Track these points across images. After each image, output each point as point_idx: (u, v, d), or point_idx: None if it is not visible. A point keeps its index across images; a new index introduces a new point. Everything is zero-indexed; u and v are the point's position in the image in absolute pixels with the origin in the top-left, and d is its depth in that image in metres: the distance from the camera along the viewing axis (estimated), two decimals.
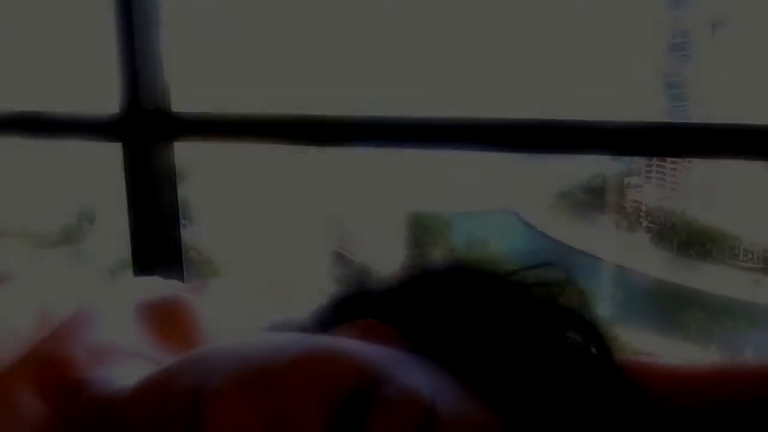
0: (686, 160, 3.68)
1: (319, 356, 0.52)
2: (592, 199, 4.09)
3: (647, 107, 3.45)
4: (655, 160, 3.75)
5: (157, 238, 1.51)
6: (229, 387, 0.50)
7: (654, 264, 3.90)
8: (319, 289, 3.60)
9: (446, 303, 0.60)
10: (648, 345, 3.56)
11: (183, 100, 1.60)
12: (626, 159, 3.86)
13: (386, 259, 3.87)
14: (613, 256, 3.91)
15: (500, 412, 0.53)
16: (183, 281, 1.25)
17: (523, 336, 0.58)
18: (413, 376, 0.52)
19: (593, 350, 0.58)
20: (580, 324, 0.60)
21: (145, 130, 1.51)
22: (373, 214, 3.89)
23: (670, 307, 3.81)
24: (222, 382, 0.51)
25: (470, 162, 3.84)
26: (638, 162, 3.85)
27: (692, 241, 3.81)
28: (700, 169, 3.77)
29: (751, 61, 3.30)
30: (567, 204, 4.10)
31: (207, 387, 0.50)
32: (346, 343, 0.56)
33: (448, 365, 0.55)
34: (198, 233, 3.75)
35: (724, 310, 3.61)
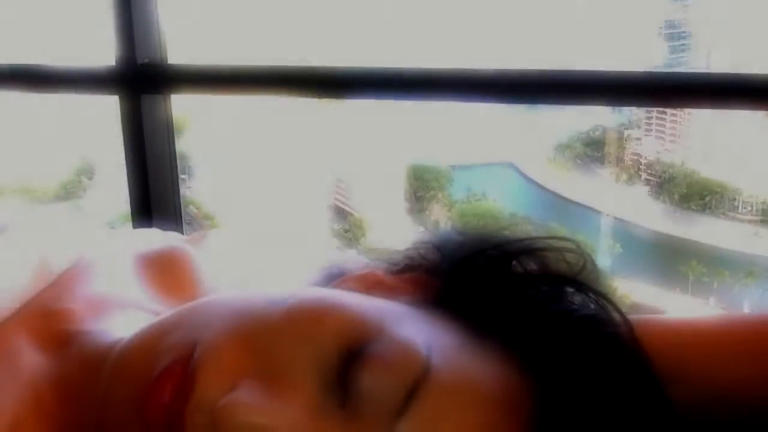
0: (686, 112, 3.66)
1: (313, 310, 0.52)
2: (592, 151, 4.08)
3: (647, 57, 3.43)
4: (654, 113, 3.74)
5: (155, 190, 1.51)
6: (223, 339, 0.50)
7: (653, 216, 3.91)
8: (317, 241, 3.61)
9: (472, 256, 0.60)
10: (647, 296, 3.58)
11: (180, 52, 1.59)
12: (626, 111, 3.85)
13: (385, 211, 3.88)
14: (613, 208, 3.91)
15: (513, 367, 0.52)
16: (182, 234, 1.25)
17: (540, 292, 0.57)
18: (409, 331, 0.51)
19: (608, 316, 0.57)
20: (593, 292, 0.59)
21: (141, 82, 1.50)
22: (372, 166, 3.88)
23: (669, 258, 3.83)
24: (216, 334, 0.51)
25: (469, 115, 3.82)
26: (638, 114, 3.84)
27: (692, 194, 3.81)
28: (699, 122, 3.76)
29: (752, 12, 3.27)
30: (566, 156, 4.09)
31: (202, 339, 0.51)
32: (342, 297, 0.55)
33: (468, 319, 0.55)
34: (197, 188, 3.75)
35: (722, 261, 3.62)
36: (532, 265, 0.59)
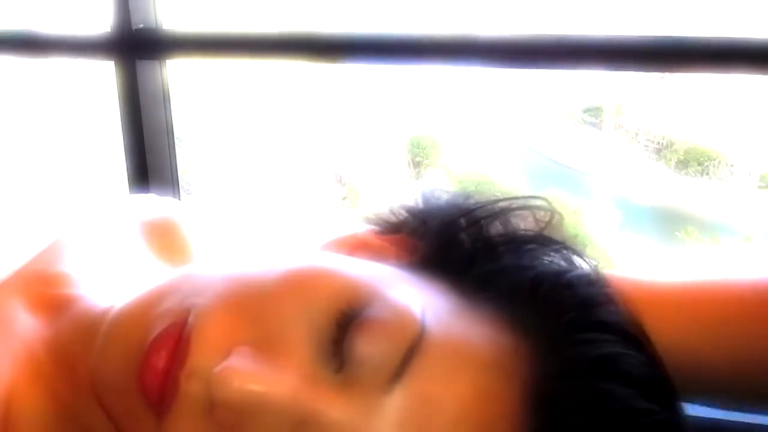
0: (686, 78, 3.65)
1: (307, 275, 0.52)
2: (591, 117, 4.08)
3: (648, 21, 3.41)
4: (654, 79, 3.73)
5: (151, 156, 1.51)
6: (217, 305, 0.50)
7: (651, 182, 3.91)
8: (314, 208, 3.61)
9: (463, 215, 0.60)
10: (644, 261, 3.59)
11: (174, 18, 1.58)
12: (626, 80, 3.83)
13: (383, 179, 3.87)
14: (611, 174, 3.91)
15: (506, 329, 0.52)
16: (178, 200, 1.25)
17: (533, 253, 0.57)
18: (403, 294, 0.51)
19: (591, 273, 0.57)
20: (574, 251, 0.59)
21: (137, 47, 1.50)
22: (371, 134, 3.87)
23: (666, 223, 3.84)
24: (210, 300, 0.51)
25: (468, 82, 3.81)
26: (638, 81, 3.83)
27: (689, 160, 3.81)
28: (699, 88, 3.75)
29: None
30: (565, 122, 4.09)
31: (196, 305, 0.50)
32: (335, 262, 0.55)
33: (456, 281, 0.55)
34: (194, 154, 3.75)
35: (719, 226, 3.63)
36: (510, 227, 0.59)
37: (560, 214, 0.60)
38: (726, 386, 0.59)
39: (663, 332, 0.57)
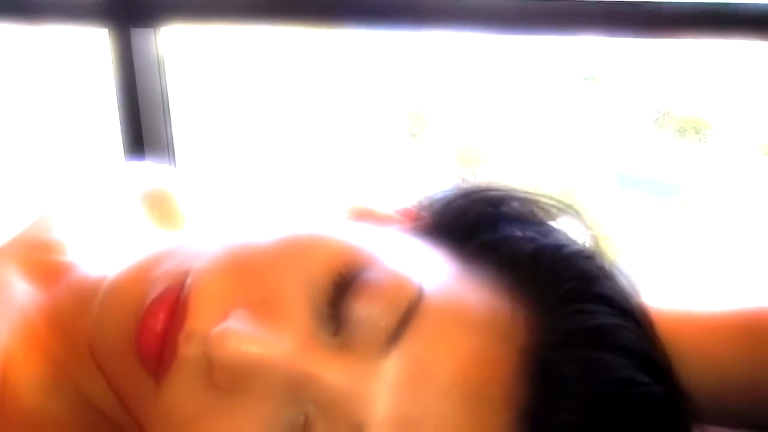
0: (683, 46, 3.63)
1: (304, 239, 0.52)
2: (588, 86, 4.07)
3: None
4: (653, 47, 3.72)
5: (147, 124, 1.51)
6: (214, 268, 0.50)
7: (649, 151, 3.91)
8: (312, 175, 3.61)
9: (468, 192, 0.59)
10: (642, 231, 3.60)
11: None
12: (624, 48, 3.82)
13: (381, 150, 3.87)
14: (608, 142, 3.91)
15: (507, 295, 0.52)
16: (174, 168, 1.25)
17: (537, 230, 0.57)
18: (402, 258, 0.51)
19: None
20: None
21: (131, 14, 1.49)
22: (369, 106, 3.86)
23: (664, 192, 3.85)
24: (208, 263, 0.51)
25: (469, 53, 3.80)
26: (636, 49, 3.82)
27: (687, 129, 3.82)
28: (696, 56, 3.74)
29: None
30: (563, 93, 4.08)
31: (193, 268, 0.50)
32: (333, 226, 0.55)
33: (460, 248, 0.55)
34: (189, 121, 3.73)
35: (717, 195, 3.64)
36: (529, 209, 0.59)
37: (592, 229, 0.60)
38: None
39: (706, 362, 0.59)
